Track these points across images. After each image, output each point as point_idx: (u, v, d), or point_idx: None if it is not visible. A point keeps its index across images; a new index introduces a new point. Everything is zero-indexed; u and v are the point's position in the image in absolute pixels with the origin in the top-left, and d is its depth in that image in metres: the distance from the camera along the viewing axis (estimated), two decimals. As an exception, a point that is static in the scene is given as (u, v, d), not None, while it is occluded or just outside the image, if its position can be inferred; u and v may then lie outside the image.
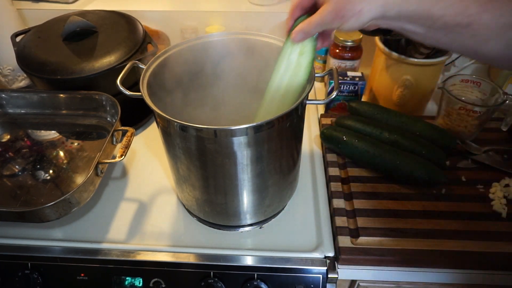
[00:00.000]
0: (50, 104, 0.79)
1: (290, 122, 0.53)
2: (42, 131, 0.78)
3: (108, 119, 0.77)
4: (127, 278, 0.61)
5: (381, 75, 0.83)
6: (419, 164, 0.65)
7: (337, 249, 0.61)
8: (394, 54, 0.77)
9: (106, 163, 0.61)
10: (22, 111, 0.81)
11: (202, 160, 0.53)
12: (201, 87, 0.68)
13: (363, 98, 0.91)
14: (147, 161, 0.79)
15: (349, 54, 0.89)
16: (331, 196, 0.69)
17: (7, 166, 0.71)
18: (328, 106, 0.89)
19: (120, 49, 0.76)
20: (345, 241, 0.61)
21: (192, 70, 0.65)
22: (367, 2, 0.43)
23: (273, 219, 0.67)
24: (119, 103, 0.72)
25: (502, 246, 0.59)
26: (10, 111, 0.81)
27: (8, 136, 0.77)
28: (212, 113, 0.72)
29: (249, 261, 0.61)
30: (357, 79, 0.83)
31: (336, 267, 0.60)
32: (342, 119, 0.76)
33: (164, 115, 0.49)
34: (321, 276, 0.59)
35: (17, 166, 0.71)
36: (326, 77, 0.92)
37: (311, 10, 0.49)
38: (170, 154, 0.59)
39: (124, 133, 0.66)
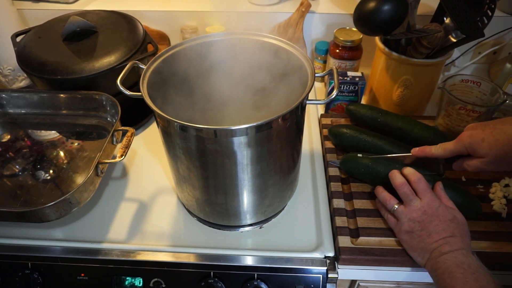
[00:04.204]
0: (50, 104, 0.79)
1: (290, 122, 0.53)
2: (42, 131, 0.78)
3: (108, 119, 0.77)
4: (127, 278, 0.61)
5: (381, 75, 0.83)
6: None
7: (337, 249, 0.61)
8: (394, 54, 0.77)
9: (106, 163, 0.61)
10: (22, 111, 0.81)
11: (202, 160, 0.53)
12: (201, 87, 0.68)
13: (363, 98, 0.91)
14: (147, 161, 0.79)
15: (349, 54, 0.89)
16: (331, 196, 0.69)
17: (7, 166, 0.71)
18: (328, 106, 0.89)
19: (120, 49, 0.76)
20: (345, 241, 0.61)
21: (192, 70, 0.65)
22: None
23: (273, 219, 0.67)
24: (119, 103, 0.72)
25: (502, 246, 0.59)
26: (10, 111, 0.81)
27: (8, 136, 0.77)
28: (212, 112, 0.72)
29: (249, 261, 0.61)
30: (357, 79, 0.83)
31: (336, 267, 0.60)
32: (336, 128, 0.76)
33: (164, 115, 0.49)
34: (321, 276, 0.59)
35: (17, 166, 0.71)
36: (326, 77, 0.92)
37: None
38: (170, 154, 0.59)
39: (124, 133, 0.66)
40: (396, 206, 0.59)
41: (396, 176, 0.60)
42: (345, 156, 0.70)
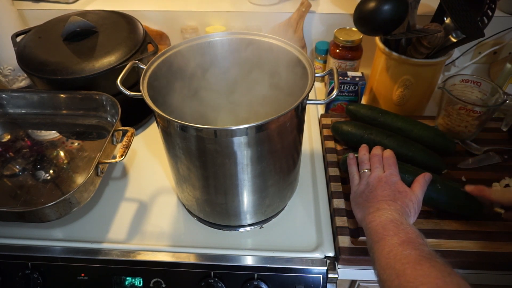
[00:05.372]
0: (50, 104, 0.79)
1: (290, 122, 0.53)
2: (42, 131, 0.78)
3: (108, 119, 0.77)
4: (127, 278, 0.61)
5: (381, 75, 0.83)
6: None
7: (337, 249, 0.61)
8: (394, 54, 0.77)
9: (106, 163, 0.61)
10: (22, 111, 0.81)
11: (202, 160, 0.53)
12: (201, 87, 0.68)
13: (363, 98, 0.91)
14: (147, 161, 0.79)
15: (350, 54, 0.89)
16: (331, 196, 0.69)
17: (7, 166, 0.71)
18: (328, 106, 0.89)
19: (120, 49, 0.76)
20: (345, 241, 0.61)
21: (192, 70, 0.65)
22: None
23: (273, 219, 0.67)
24: (119, 103, 0.72)
25: (502, 246, 0.59)
26: (11, 111, 0.81)
27: (8, 136, 0.77)
28: (212, 112, 0.72)
29: (249, 261, 0.61)
30: (358, 79, 0.83)
31: (336, 267, 0.60)
32: (338, 124, 0.76)
33: (164, 115, 0.49)
34: (321, 276, 0.59)
35: (17, 166, 0.71)
36: (326, 77, 0.92)
37: None
38: (170, 154, 0.59)
39: (124, 133, 0.66)
40: (366, 170, 0.62)
41: (365, 148, 0.67)
42: (344, 157, 0.70)
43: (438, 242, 0.60)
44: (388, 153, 0.64)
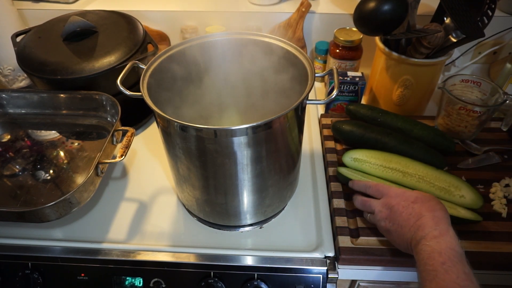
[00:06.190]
0: (50, 104, 0.79)
1: (290, 122, 0.53)
2: (42, 131, 0.78)
3: (108, 119, 0.77)
4: (127, 278, 0.61)
5: (381, 75, 0.83)
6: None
7: (337, 249, 0.61)
8: (394, 54, 0.77)
9: (106, 163, 0.61)
10: (22, 111, 0.81)
11: (202, 160, 0.53)
12: (201, 87, 0.68)
13: (363, 98, 0.91)
14: (147, 161, 0.79)
15: (349, 54, 0.89)
16: (331, 196, 0.69)
17: (7, 166, 0.71)
18: (328, 106, 0.89)
19: (120, 49, 0.76)
20: (345, 241, 0.61)
21: (192, 70, 0.65)
22: None
23: (273, 219, 0.67)
24: (119, 103, 0.72)
25: (502, 246, 0.59)
26: (10, 111, 0.81)
27: (8, 136, 0.77)
28: (212, 112, 0.72)
29: (249, 261, 0.61)
30: (357, 79, 0.83)
31: (336, 267, 0.60)
32: (339, 124, 0.76)
33: (164, 115, 0.49)
34: (321, 276, 0.59)
35: (17, 166, 0.71)
36: (326, 77, 0.92)
37: None
38: (170, 154, 0.59)
39: (124, 133, 0.66)
40: (369, 215, 0.61)
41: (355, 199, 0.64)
42: (339, 169, 0.69)
43: (438, 242, 0.60)
44: (364, 188, 0.62)
